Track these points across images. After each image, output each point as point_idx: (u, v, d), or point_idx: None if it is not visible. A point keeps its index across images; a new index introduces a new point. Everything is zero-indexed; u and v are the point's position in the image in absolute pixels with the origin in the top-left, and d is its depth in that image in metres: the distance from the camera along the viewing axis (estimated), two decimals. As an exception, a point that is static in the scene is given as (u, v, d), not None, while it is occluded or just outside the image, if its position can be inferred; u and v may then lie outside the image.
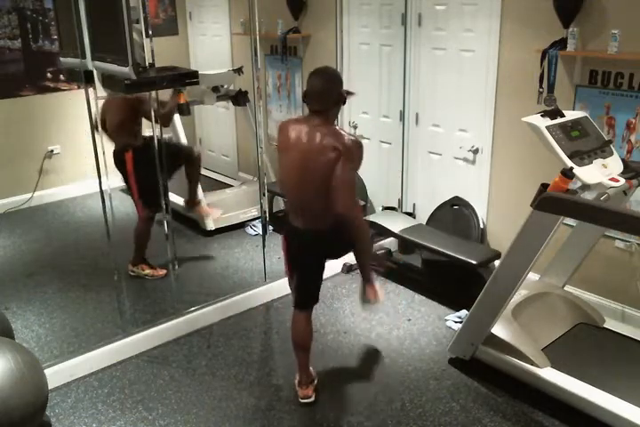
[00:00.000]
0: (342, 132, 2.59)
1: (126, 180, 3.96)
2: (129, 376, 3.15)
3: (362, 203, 2.93)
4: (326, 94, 2.57)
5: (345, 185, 2.54)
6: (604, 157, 2.70)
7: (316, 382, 3.00)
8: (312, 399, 2.92)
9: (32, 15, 5.08)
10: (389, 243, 4.33)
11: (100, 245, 3.56)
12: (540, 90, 3.38)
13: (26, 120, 5.19)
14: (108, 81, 3.13)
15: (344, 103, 2.63)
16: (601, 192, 2.52)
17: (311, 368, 3.01)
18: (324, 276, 2.93)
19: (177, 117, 4.48)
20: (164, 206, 3.58)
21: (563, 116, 2.75)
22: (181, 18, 5.96)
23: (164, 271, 4.03)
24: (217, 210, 4.58)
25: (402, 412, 2.86)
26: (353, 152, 2.54)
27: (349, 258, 3.13)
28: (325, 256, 2.84)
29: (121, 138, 3.86)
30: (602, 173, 2.62)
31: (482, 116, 3.79)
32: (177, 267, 3.74)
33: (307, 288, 2.87)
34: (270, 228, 4.61)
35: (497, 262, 3.39)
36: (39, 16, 5.11)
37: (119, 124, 3.80)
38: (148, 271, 4.06)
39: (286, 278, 3.90)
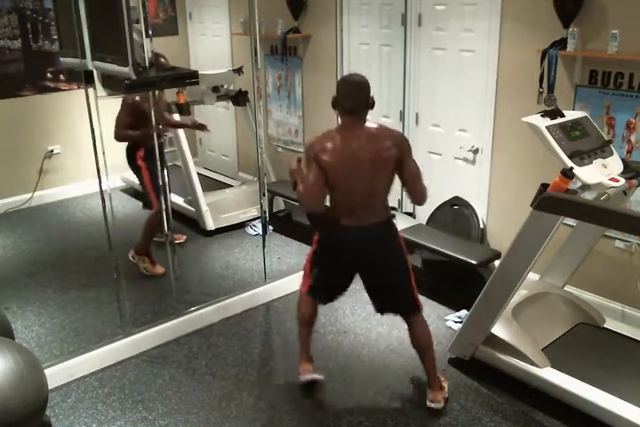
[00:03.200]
0: (387, 127, 2.69)
1: (140, 175, 4.00)
2: (129, 376, 3.15)
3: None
4: (361, 95, 2.60)
5: (418, 176, 2.67)
6: (604, 157, 2.70)
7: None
8: (312, 376, 2.94)
9: (32, 15, 5.09)
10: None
11: (100, 245, 3.56)
12: (540, 90, 3.38)
13: (26, 120, 5.20)
14: (108, 81, 3.12)
15: (372, 108, 2.65)
16: (601, 192, 2.53)
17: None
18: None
19: (177, 117, 4.48)
20: (165, 207, 3.58)
21: (563, 116, 2.75)
22: (181, 18, 5.96)
23: (162, 270, 4.03)
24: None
25: (402, 412, 2.86)
26: (408, 143, 2.68)
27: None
28: (362, 265, 2.79)
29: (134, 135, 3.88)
30: (602, 173, 2.62)
31: (482, 116, 3.79)
32: (177, 267, 3.74)
33: (331, 286, 2.91)
34: (270, 228, 4.62)
35: (497, 262, 3.39)
36: (39, 16, 5.11)
37: (134, 123, 3.82)
38: (147, 265, 4.06)
39: (286, 278, 3.94)
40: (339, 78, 2.73)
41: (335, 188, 2.69)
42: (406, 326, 2.87)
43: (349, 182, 2.64)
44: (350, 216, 2.69)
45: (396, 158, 2.61)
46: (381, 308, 2.88)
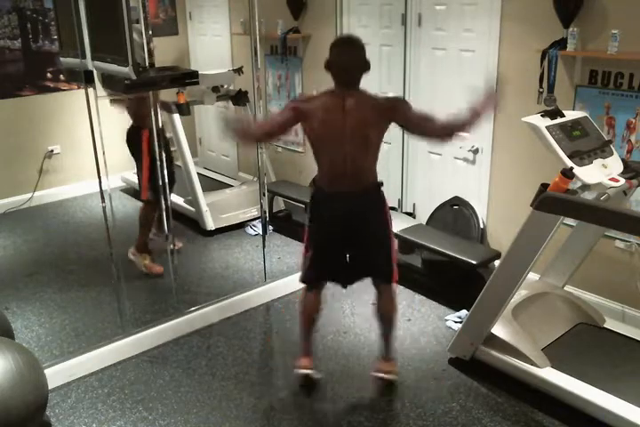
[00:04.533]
0: (380, 96, 2.67)
1: (138, 159, 3.89)
2: (129, 376, 3.15)
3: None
4: (357, 65, 2.58)
5: (427, 116, 2.59)
6: (604, 157, 2.71)
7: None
8: (310, 371, 2.95)
9: (32, 15, 5.08)
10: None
11: (100, 245, 3.56)
12: (540, 90, 3.38)
13: (26, 120, 5.20)
14: (108, 81, 3.13)
15: (368, 70, 2.64)
16: (601, 192, 2.53)
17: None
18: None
19: (177, 117, 4.48)
20: (165, 207, 3.57)
21: (563, 116, 2.75)
22: (181, 18, 5.96)
23: (161, 269, 4.01)
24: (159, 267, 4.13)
25: (402, 412, 2.86)
26: (403, 103, 2.66)
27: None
28: (355, 233, 2.77)
29: (140, 115, 3.76)
30: (602, 173, 2.62)
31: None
32: (177, 267, 3.74)
33: (324, 261, 2.87)
34: (270, 228, 4.62)
35: (497, 262, 3.39)
36: (39, 16, 5.11)
37: (140, 100, 3.64)
38: (147, 262, 4.03)
39: (286, 278, 3.95)
40: (333, 41, 2.66)
41: (318, 151, 2.69)
42: (375, 296, 2.92)
43: (333, 147, 2.63)
44: (335, 182, 2.69)
45: (388, 119, 2.60)
46: (358, 275, 2.89)
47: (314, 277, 2.92)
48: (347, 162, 2.62)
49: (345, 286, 2.97)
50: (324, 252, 2.86)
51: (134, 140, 3.88)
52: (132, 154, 3.98)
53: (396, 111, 2.62)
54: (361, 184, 2.69)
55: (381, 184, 2.77)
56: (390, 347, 3.01)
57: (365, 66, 2.61)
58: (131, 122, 3.94)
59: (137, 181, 4.14)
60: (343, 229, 2.76)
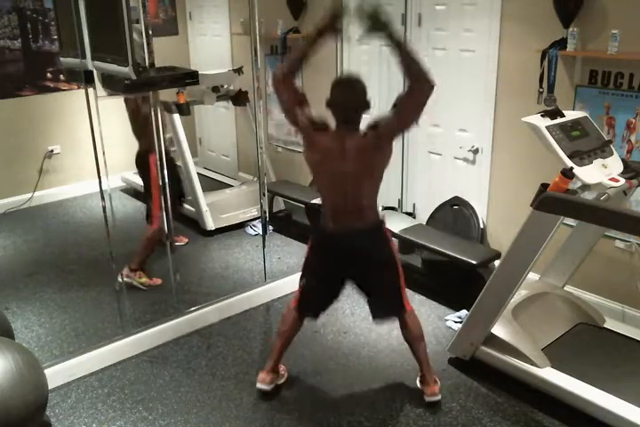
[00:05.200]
0: (364, 128, 2.60)
1: (148, 184, 3.86)
2: (129, 376, 3.15)
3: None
4: (357, 106, 2.57)
5: (397, 105, 2.49)
6: (604, 157, 2.71)
7: (281, 380, 3.02)
8: (266, 387, 2.92)
9: (32, 15, 5.09)
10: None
11: (100, 245, 3.56)
12: (540, 90, 3.38)
13: (26, 120, 5.20)
14: (108, 81, 3.13)
15: (368, 110, 2.60)
16: (601, 192, 2.53)
17: (284, 367, 3.06)
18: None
19: (177, 117, 4.48)
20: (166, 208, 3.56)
21: (563, 116, 2.75)
22: (181, 18, 5.96)
23: (159, 281, 3.98)
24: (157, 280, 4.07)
25: (402, 412, 2.86)
26: (380, 121, 2.54)
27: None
28: (353, 270, 2.77)
29: (145, 139, 3.75)
30: (602, 173, 2.62)
31: (482, 116, 3.79)
32: (176, 267, 3.74)
33: (318, 298, 2.88)
34: (270, 228, 4.62)
35: (497, 262, 3.39)
36: (39, 16, 5.12)
37: (143, 125, 3.66)
38: (144, 280, 3.97)
39: (286, 278, 3.94)
40: (333, 80, 2.64)
41: (319, 186, 2.72)
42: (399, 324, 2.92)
43: (334, 185, 2.63)
44: (338, 220, 2.68)
45: (385, 144, 2.57)
46: (375, 313, 2.89)
47: (303, 309, 2.91)
48: (347, 201, 2.63)
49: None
50: (317, 289, 2.86)
51: (142, 165, 3.86)
52: (142, 177, 3.97)
53: (382, 132, 2.55)
54: (362, 222, 2.67)
55: (383, 222, 2.76)
56: (429, 368, 2.92)
57: (365, 106, 2.58)
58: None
59: (146, 209, 4.12)
60: (344, 266, 2.76)
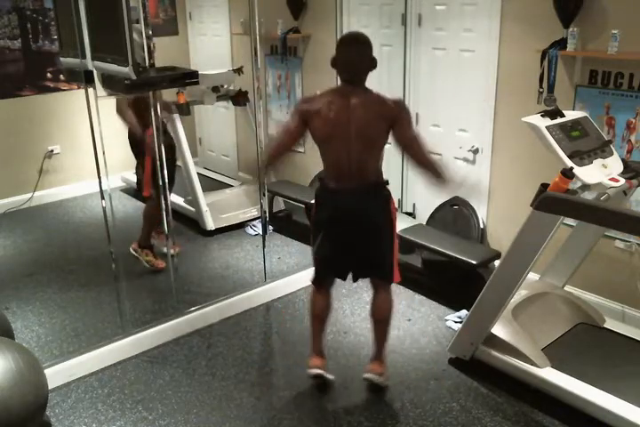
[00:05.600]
0: (386, 97, 2.65)
1: (141, 157, 3.91)
2: (129, 376, 3.15)
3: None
4: (363, 63, 2.58)
5: (420, 139, 2.64)
6: (604, 157, 2.71)
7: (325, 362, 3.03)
8: (320, 371, 2.94)
9: (32, 15, 5.08)
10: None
11: (100, 245, 3.56)
12: (540, 90, 3.38)
13: (26, 120, 5.20)
14: (108, 81, 3.12)
15: (374, 68, 2.64)
16: (601, 192, 2.53)
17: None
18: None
19: (177, 117, 4.48)
20: (165, 206, 3.56)
21: (563, 116, 2.75)
22: (181, 18, 5.96)
23: (163, 264, 4.01)
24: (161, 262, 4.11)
25: (402, 412, 2.86)
26: (405, 110, 2.64)
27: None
28: (357, 228, 2.77)
29: (142, 114, 3.73)
30: (602, 173, 2.62)
31: (482, 116, 3.79)
32: (177, 267, 3.74)
33: (327, 256, 2.86)
34: (270, 228, 4.62)
35: (497, 262, 3.39)
36: (39, 16, 5.11)
37: (141, 99, 3.63)
38: (149, 258, 4.03)
39: (286, 278, 3.95)
40: (339, 37, 2.65)
41: (324, 149, 2.71)
42: (372, 295, 2.93)
43: (338, 145, 2.63)
44: (340, 179, 2.69)
45: (390, 124, 2.60)
46: (359, 273, 2.90)
47: (319, 273, 2.92)
48: (351, 159, 2.63)
49: (352, 279, 2.96)
50: (327, 246, 2.85)
51: (135, 141, 3.89)
52: (134, 151, 3.98)
53: (398, 120, 2.61)
54: (366, 181, 2.69)
55: (387, 183, 2.78)
56: (382, 349, 2.98)
57: (371, 64, 2.61)
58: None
59: (136, 180, 4.14)
60: (346, 224, 2.76)
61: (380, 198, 2.77)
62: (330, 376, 3.00)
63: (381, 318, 2.93)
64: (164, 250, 3.71)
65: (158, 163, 3.38)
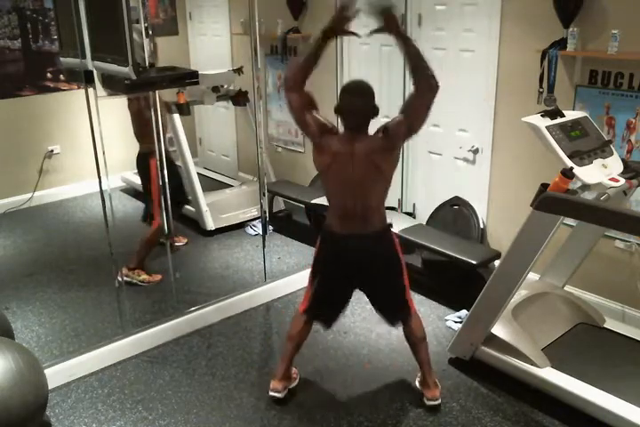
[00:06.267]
0: (374, 132, 2.63)
1: (147, 185, 3.89)
2: (129, 376, 3.15)
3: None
4: (366, 112, 2.59)
5: (405, 105, 2.60)
6: (604, 157, 2.70)
7: (293, 384, 3.00)
8: (279, 395, 2.90)
9: (32, 15, 5.08)
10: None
11: (100, 245, 3.56)
12: (540, 90, 3.38)
13: (26, 120, 5.20)
14: (108, 81, 3.13)
15: (376, 116, 2.63)
16: (601, 192, 2.53)
17: (295, 370, 3.05)
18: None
19: (177, 117, 4.48)
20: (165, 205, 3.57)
21: (563, 116, 2.75)
22: (181, 18, 5.96)
23: (159, 277, 4.00)
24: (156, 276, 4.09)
25: (402, 412, 2.86)
26: (389, 124, 2.59)
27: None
28: (360, 274, 2.77)
29: (146, 141, 3.74)
30: (602, 173, 2.62)
31: (482, 116, 3.79)
32: (177, 267, 3.74)
33: (330, 303, 2.87)
34: (270, 228, 4.62)
35: (497, 262, 3.39)
36: (39, 16, 5.11)
37: (145, 126, 3.64)
38: (144, 277, 3.98)
39: (286, 278, 3.95)
40: (342, 86, 2.67)
41: (328, 190, 2.72)
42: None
43: (342, 189, 2.64)
44: (346, 223, 2.68)
45: (397, 145, 2.61)
46: (386, 319, 2.91)
47: (313, 314, 2.90)
48: (356, 205, 2.64)
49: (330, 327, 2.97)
50: (327, 292, 2.85)
51: (143, 167, 3.89)
52: (141, 179, 4.00)
53: (392, 135, 2.58)
54: (370, 226, 2.68)
55: (391, 226, 2.77)
56: (428, 370, 2.91)
57: (373, 112, 2.61)
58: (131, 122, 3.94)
59: (143, 211, 4.16)
60: (352, 271, 2.75)
61: (387, 243, 2.76)
62: (281, 396, 2.93)
63: (417, 340, 2.89)
64: (168, 246, 3.69)
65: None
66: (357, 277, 2.79)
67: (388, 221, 2.77)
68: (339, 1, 2.73)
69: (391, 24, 2.49)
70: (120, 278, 3.38)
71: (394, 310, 2.88)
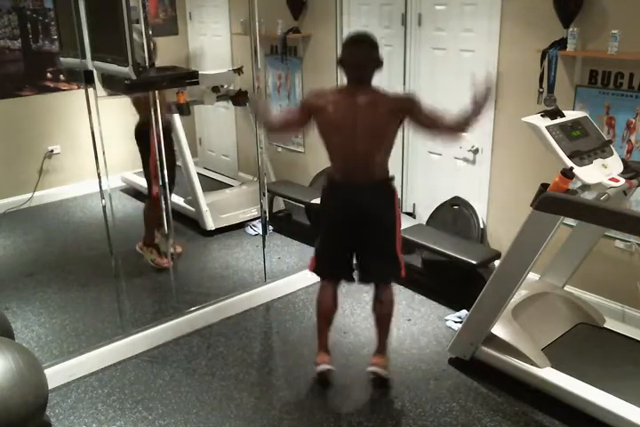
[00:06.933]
0: (395, 93, 2.69)
1: (146, 155, 3.88)
2: (129, 376, 3.15)
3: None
4: (370, 63, 2.59)
5: (437, 117, 2.64)
6: (604, 157, 2.71)
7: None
8: (329, 367, 2.97)
9: (32, 15, 5.08)
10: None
11: (100, 245, 3.56)
12: (540, 90, 3.38)
13: (26, 120, 5.19)
14: (108, 81, 3.13)
15: (380, 68, 2.64)
16: (601, 192, 2.53)
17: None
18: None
19: (177, 117, 4.48)
20: (165, 206, 3.56)
21: (563, 116, 2.75)
22: (181, 18, 5.96)
23: (169, 263, 4.00)
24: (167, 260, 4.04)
25: (402, 412, 2.86)
26: (414, 101, 2.65)
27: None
28: (358, 224, 2.79)
29: (149, 109, 3.62)
30: (602, 173, 2.62)
31: (482, 116, 3.78)
32: (177, 267, 3.74)
33: (337, 254, 2.89)
34: (270, 228, 4.62)
35: (497, 262, 3.39)
36: (39, 16, 5.11)
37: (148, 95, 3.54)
38: (154, 256, 4.03)
39: (286, 278, 3.95)
40: (345, 37, 2.68)
41: (329, 145, 2.73)
42: (374, 291, 2.96)
43: (345, 141, 2.65)
44: (347, 174, 2.71)
45: (401, 118, 2.63)
46: (366, 274, 2.92)
47: (324, 266, 2.93)
48: (358, 156, 2.65)
49: (358, 280, 2.99)
50: (332, 240, 2.88)
51: (143, 137, 3.84)
52: (141, 151, 3.97)
53: (408, 112, 2.64)
54: (372, 177, 2.72)
55: (392, 178, 2.79)
56: (384, 343, 3.02)
57: (377, 63, 2.62)
58: (135, 120, 3.93)
59: (144, 179, 4.12)
60: (352, 218, 2.78)
61: (386, 195, 2.79)
62: (333, 368, 3.02)
63: (385, 312, 2.96)
64: (168, 246, 3.70)
65: (158, 163, 3.38)
66: (355, 227, 2.79)
67: (392, 176, 2.80)
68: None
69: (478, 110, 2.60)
70: (117, 281, 3.37)
71: (383, 264, 2.88)
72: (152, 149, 3.70)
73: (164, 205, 3.52)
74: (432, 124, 2.66)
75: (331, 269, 2.97)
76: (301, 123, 2.74)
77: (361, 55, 2.59)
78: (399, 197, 3.38)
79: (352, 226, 2.80)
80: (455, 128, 2.64)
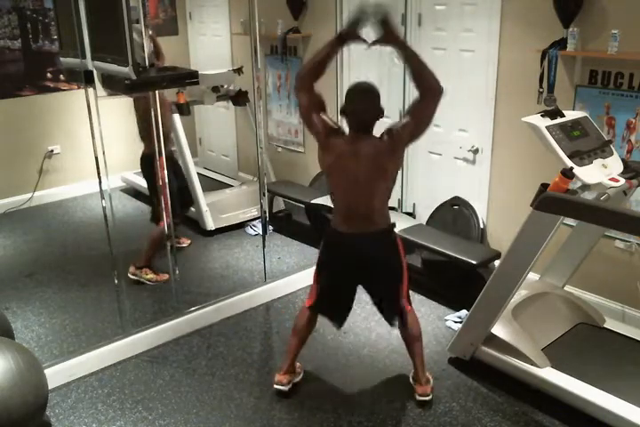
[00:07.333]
0: (379, 135, 2.64)
1: (152, 186, 3.89)
2: (129, 376, 3.15)
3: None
4: (371, 113, 2.60)
5: (410, 110, 2.62)
6: (604, 157, 2.71)
7: (298, 378, 3.03)
8: (284, 389, 2.93)
9: (32, 15, 5.08)
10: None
11: (100, 245, 3.56)
12: (540, 90, 3.38)
13: (26, 120, 5.19)
14: (108, 81, 3.13)
15: (381, 117, 2.64)
16: (601, 192, 2.53)
17: (299, 364, 3.06)
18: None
19: (177, 117, 4.48)
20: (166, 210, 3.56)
21: (563, 116, 2.75)
22: (181, 18, 5.96)
23: (166, 276, 4.00)
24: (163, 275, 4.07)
25: (402, 412, 2.86)
26: (394, 127, 2.60)
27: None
28: (364, 273, 2.79)
29: (152, 142, 3.64)
30: (602, 173, 2.62)
31: (482, 116, 3.79)
32: (177, 267, 3.74)
33: (336, 299, 2.90)
34: (270, 228, 4.62)
35: (497, 262, 3.39)
36: (39, 16, 5.11)
37: (151, 127, 3.53)
38: (150, 276, 4.00)
39: (286, 278, 3.95)
40: (348, 88, 2.68)
41: (333, 190, 2.73)
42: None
43: (346, 189, 2.66)
44: (350, 222, 2.70)
45: (401, 149, 2.63)
46: (387, 318, 2.93)
47: (319, 309, 2.92)
48: (359, 205, 2.66)
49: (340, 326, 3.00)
50: (332, 288, 2.87)
51: (147, 168, 3.86)
52: (145, 177, 3.99)
53: (396, 138, 2.59)
54: (373, 225, 2.71)
55: (394, 226, 2.79)
56: (420, 368, 2.93)
57: (378, 113, 2.62)
58: (135, 120, 3.93)
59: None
60: (355, 268, 2.77)
61: (390, 243, 2.78)
62: (286, 389, 2.96)
63: (412, 338, 2.91)
64: (168, 246, 3.69)
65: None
66: (359, 275, 2.81)
67: (394, 223, 2.80)
68: (355, 6, 2.72)
69: (390, 34, 2.50)
70: (117, 281, 3.37)
71: (390, 310, 2.90)
72: (160, 178, 3.67)
73: (164, 207, 3.52)
74: (418, 111, 2.61)
75: (329, 312, 2.95)
76: (312, 111, 2.65)
77: (363, 106, 2.60)
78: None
79: (357, 272, 2.79)
80: (421, 85, 2.62)
